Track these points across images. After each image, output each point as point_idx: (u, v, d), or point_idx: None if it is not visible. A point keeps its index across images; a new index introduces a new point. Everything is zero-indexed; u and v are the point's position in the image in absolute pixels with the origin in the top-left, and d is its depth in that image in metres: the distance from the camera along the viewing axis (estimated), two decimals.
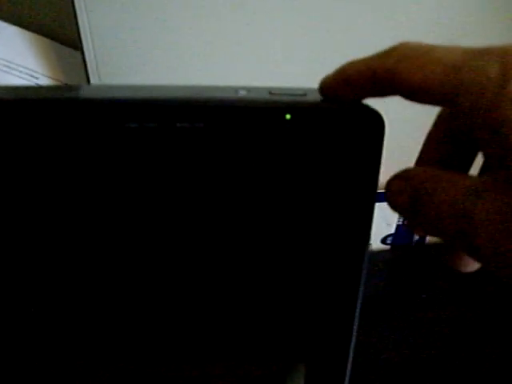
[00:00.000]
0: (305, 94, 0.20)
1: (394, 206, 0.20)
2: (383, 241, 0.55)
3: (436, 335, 0.41)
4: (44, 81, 0.48)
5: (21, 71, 0.48)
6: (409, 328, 0.42)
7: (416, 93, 0.17)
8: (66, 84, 0.46)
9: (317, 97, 0.20)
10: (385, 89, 0.18)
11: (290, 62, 0.41)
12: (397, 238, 0.54)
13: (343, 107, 0.19)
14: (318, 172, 0.20)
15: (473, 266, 0.22)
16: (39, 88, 0.22)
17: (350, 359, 0.26)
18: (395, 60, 0.17)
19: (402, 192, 0.19)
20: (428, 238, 0.54)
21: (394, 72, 0.17)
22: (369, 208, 0.21)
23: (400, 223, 0.53)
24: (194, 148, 0.19)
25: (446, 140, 0.21)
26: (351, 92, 0.19)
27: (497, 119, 0.14)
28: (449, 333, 0.42)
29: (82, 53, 0.40)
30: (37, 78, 0.48)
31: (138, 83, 0.21)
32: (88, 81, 0.42)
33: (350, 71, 0.19)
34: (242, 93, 0.19)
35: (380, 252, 0.54)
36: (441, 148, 0.22)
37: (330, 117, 0.19)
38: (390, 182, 0.20)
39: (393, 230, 0.54)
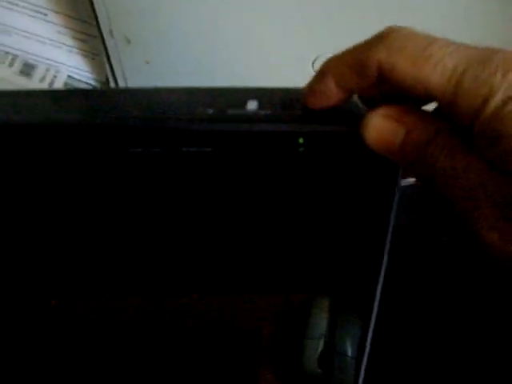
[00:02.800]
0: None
1: (379, 148, 0.17)
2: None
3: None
4: (53, 17, 0.44)
5: (26, 7, 0.44)
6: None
7: (411, 91, 0.15)
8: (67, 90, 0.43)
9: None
10: (373, 79, 0.16)
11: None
12: None
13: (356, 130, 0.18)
14: (333, 195, 0.21)
15: None
16: (43, 93, 0.23)
17: (379, 290, 0.25)
18: (388, 52, 0.15)
19: (395, 135, 0.16)
20: None
21: (387, 67, 0.15)
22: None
23: None
24: (200, 171, 0.19)
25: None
26: (341, 92, 0.17)
27: (498, 132, 0.14)
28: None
29: None
30: (45, 15, 0.44)
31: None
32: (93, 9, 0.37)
33: (334, 70, 0.17)
34: (253, 106, 0.18)
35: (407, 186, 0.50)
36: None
37: (345, 140, 0.18)
38: (374, 117, 0.17)
39: None
